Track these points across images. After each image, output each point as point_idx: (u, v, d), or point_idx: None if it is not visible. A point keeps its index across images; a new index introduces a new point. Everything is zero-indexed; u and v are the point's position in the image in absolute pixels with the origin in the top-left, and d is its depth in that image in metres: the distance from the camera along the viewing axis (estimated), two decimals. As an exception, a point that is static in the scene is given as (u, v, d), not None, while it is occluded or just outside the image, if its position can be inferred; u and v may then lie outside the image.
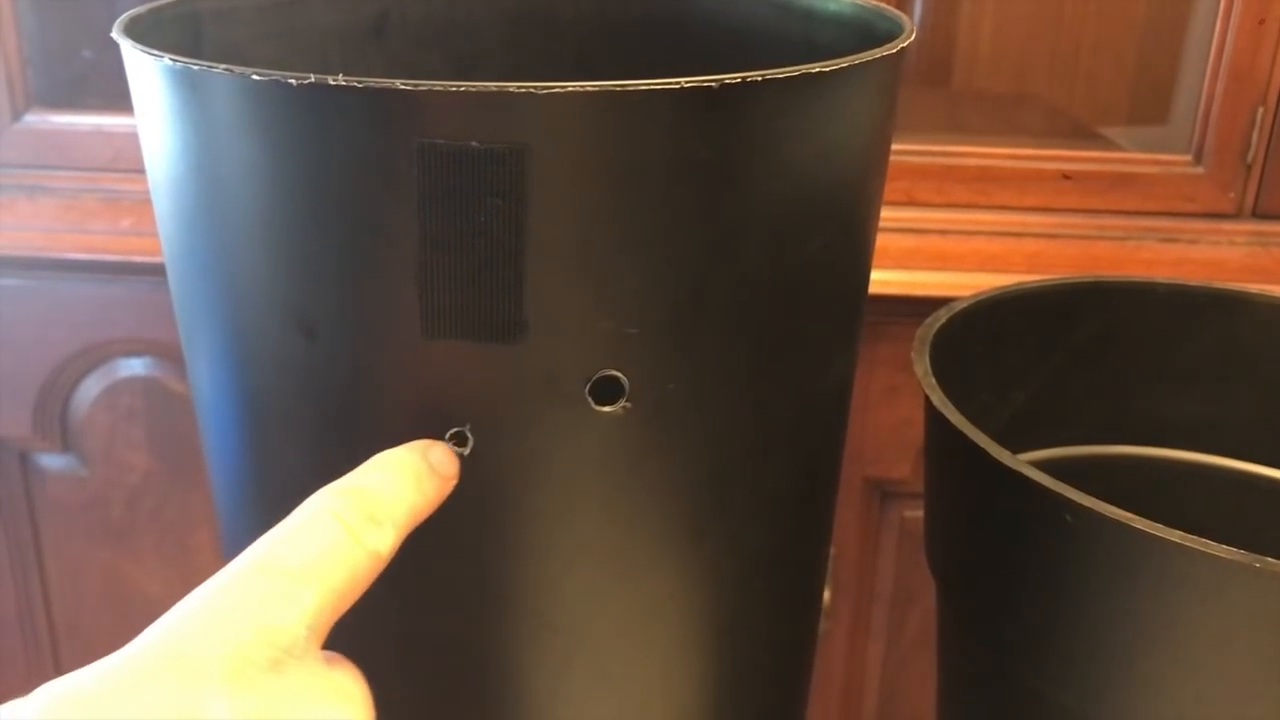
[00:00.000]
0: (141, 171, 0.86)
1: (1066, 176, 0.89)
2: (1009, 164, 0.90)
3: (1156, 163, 0.89)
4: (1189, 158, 0.88)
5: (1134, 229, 0.89)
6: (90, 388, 0.91)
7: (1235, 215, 0.88)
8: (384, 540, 0.31)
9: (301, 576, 0.29)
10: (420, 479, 0.33)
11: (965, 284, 0.86)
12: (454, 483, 0.34)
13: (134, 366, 0.90)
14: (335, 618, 0.30)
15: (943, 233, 0.90)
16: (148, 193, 0.86)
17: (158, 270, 0.86)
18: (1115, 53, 1.04)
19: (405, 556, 0.36)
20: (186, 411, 0.91)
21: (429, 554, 0.36)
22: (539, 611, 0.37)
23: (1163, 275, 0.56)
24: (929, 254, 0.89)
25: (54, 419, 0.91)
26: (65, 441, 0.92)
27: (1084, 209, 0.89)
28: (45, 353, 0.89)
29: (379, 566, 0.31)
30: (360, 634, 0.37)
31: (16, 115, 0.88)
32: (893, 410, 0.90)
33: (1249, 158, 0.86)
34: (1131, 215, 0.89)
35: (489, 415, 0.34)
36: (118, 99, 0.90)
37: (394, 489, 0.32)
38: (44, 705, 0.26)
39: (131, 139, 0.88)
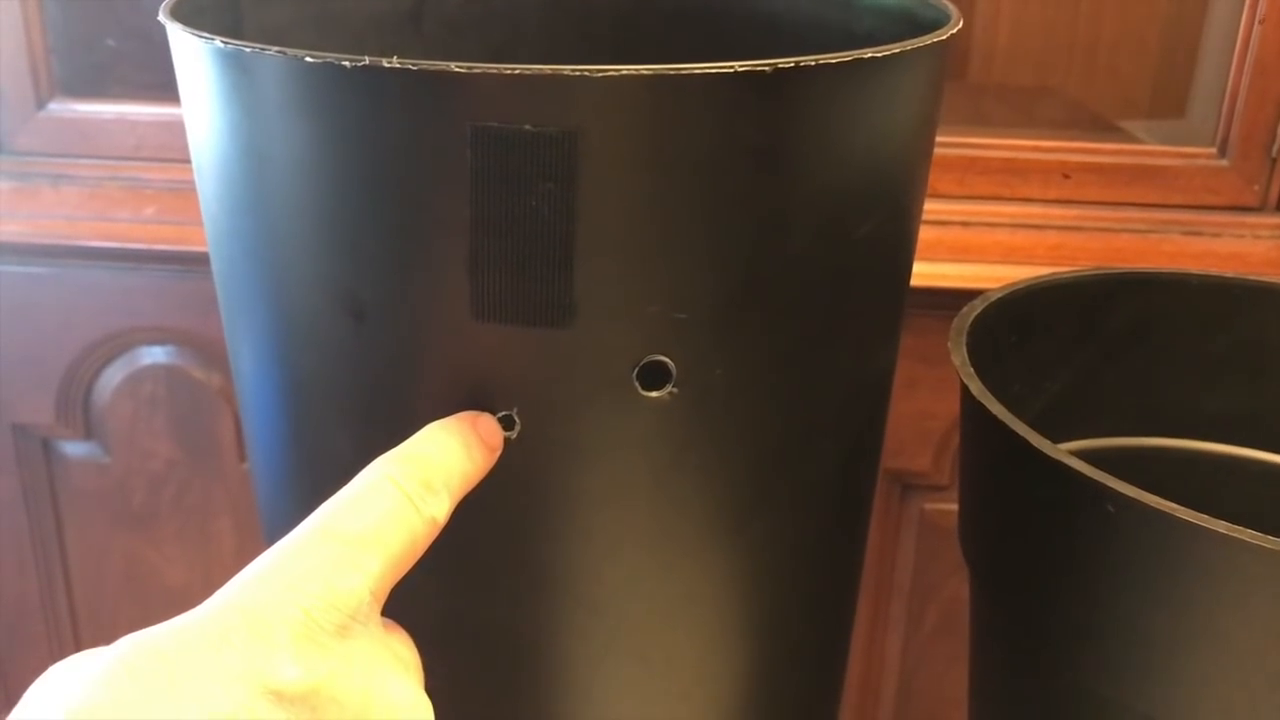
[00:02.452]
0: (165, 160, 0.87)
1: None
2: (1032, 156, 0.90)
3: (1180, 155, 0.89)
4: (1213, 150, 0.88)
5: (1157, 222, 0.89)
6: (113, 375, 0.91)
7: (1259, 209, 0.88)
8: (440, 507, 0.32)
9: (365, 543, 0.30)
10: (470, 448, 0.33)
11: (988, 276, 0.86)
12: (498, 454, 0.35)
13: (156, 354, 0.90)
14: (394, 582, 0.31)
15: (965, 224, 0.90)
16: (171, 181, 0.86)
17: (181, 258, 0.87)
18: (1137, 45, 1.03)
19: (450, 538, 0.36)
20: (208, 399, 0.91)
21: (474, 536, 0.36)
22: (581, 595, 0.37)
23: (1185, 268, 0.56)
24: (951, 246, 0.89)
25: (76, 406, 0.91)
26: (88, 429, 0.92)
27: (1107, 202, 0.89)
28: (68, 340, 0.89)
29: (435, 532, 0.32)
30: (405, 615, 0.38)
31: (40, 104, 0.88)
32: (913, 402, 0.90)
33: (1274, 150, 0.86)
34: (1155, 208, 0.89)
35: (536, 399, 0.34)
36: (141, 87, 0.90)
37: (447, 457, 0.33)
38: (123, 655, 0.27)
39: (155, 127, 0.88)
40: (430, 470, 0.32)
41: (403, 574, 0.31)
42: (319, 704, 0.28)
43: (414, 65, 0.30)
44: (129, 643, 0.27)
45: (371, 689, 0.29)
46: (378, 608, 0.30)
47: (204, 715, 0.26)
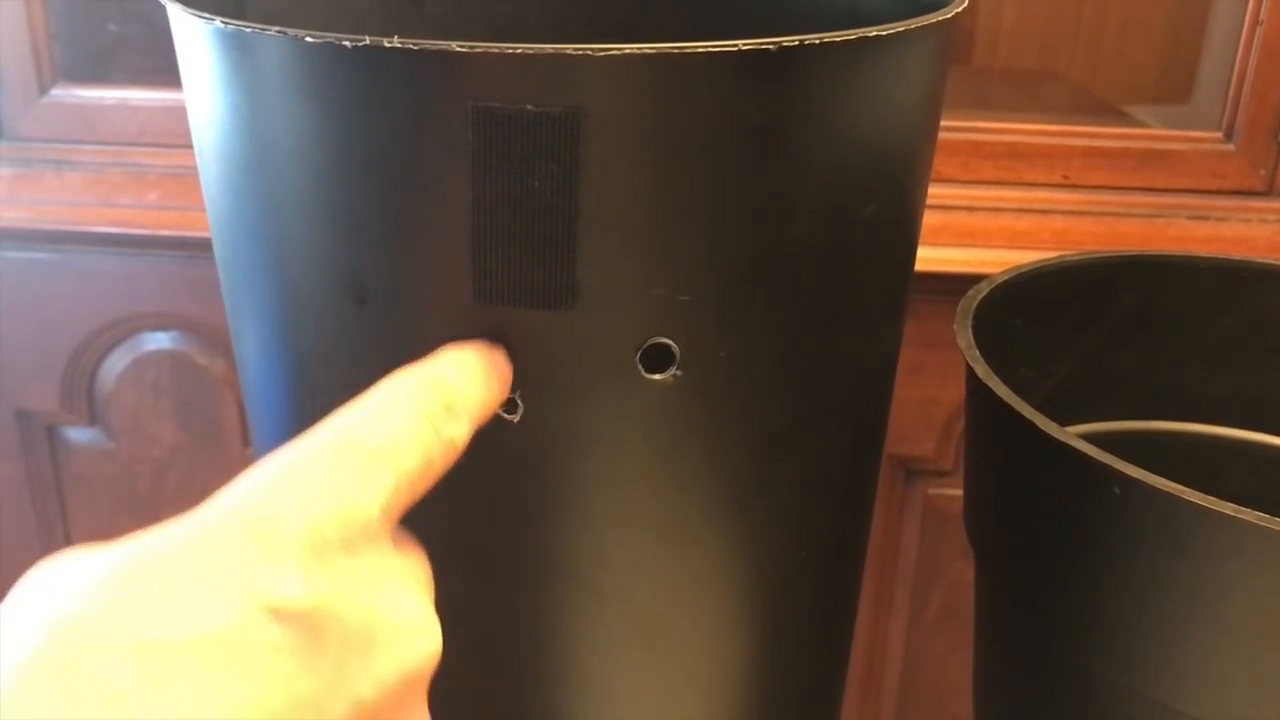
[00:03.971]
0: (167, 145, 0.87)
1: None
2: (1037, 140, 0.89)
3: (1186, 139, 0.88)
4: (1219, 135, 0.87)
5: (1163, 206, 0.88)
6: (117, 361, 0.91)
7: (1266, 193, 0.87)
8: (459, 431, 0.31)
9: (380, 457, 0.28)
10: (489, 377, 0.32)
11: (992, 261, 0.86)
12: (509, 389, 0.34)
13: (160, 340, 0.90)
14: (409, 503, 0.29)
15: (970, 209, 0.90)
16: (174, 166, 0.86)
17: (184, 244, 0.86)
18: (1143, 29, 1.03)
19: (453, 522, 0.36)
20: (212, 385, 0.91)
21: (476, 520, 0.36)
22: (585, 579, 0.37)
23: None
24: (956, 230, 0.89)
25: (81, 392, 0.91)
26: (92, 415, 0.92)
27: (1113, 186, 0.89)
28: (72, 326, 0.89)
29: (452, 458, 0.31)
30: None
31: (43, 89, 0.88)
32: (917, 388, 0.90)
33: (1281, 135, 0.85)
34: (1161, 192, 0.89)
35: (539, 382, 0.34)
36: (144, 73, 0.90)
37: (470, 382, 0.31)
38: (117, 562, 0.25)
39: (158, 112, 0.88)
40: (452, 393, 0.31)
41: (418, 495, 0.30)
42: (321, 621, 0.26)
43: (415, 45, 0.30)
44: (124, 549, 0.25)
45: (378, 607, 0.28)
46: (388, 525, 0.29)
47: (197, 630, 0.24)
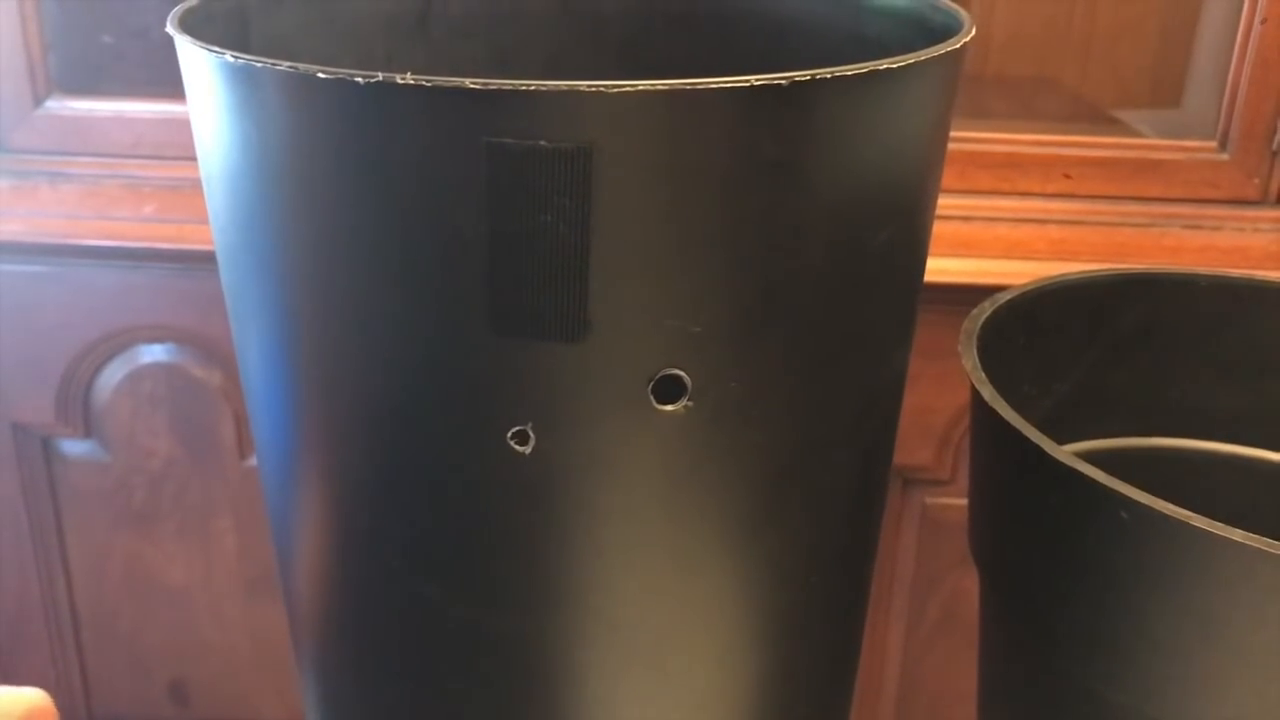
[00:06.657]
0: (163, 157, 0.86)
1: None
2: (1032, 150, 0.90)
3: (1181, 149, 0.89)
4: (1214, 144, 0.88)
5: (1158, 215, 0.89)
6: (112, 374, 0.91)
7: (1260, 202, 0.88)
8: None
9: None
10: None
11: (988, 271, 0.86)
12: None
13: (156, 353, 0.90)
14: None
15: (965, 219, 0.90)
16: (170, 179, 0.86)
17: (180, 257, 0.86)
18: (1136, 38, 1.03)
19: (467, 552, 0.36)
20: (208, 398, 0.91)
21: (489, 551, 0.36)
22: (597, 607, 0.37)
23: (1187, 263, 0.56)
24: (952, 240, 0.89)
25: (77, 405, 0.91)
26: (88, 427, 0.92)
27: (1108, 195, 0.89)
28: (68, 339, 0.89)
29: None
30: (421, 630, 0.37)
31: (38, 101, 0.87)
32: (914, 397, 0.90)
33: (1275, 144, 0.86)
34: (1156, 202, 0.89)
35: (551, 413, 0.34)
36: (138, 85, 0.90)
37: None
38: None
39: (153, 124, 0.87)
40: None
41: None
42: None
43: (428, 82, 0.30)
44: None
45: None
46: None
47: None
